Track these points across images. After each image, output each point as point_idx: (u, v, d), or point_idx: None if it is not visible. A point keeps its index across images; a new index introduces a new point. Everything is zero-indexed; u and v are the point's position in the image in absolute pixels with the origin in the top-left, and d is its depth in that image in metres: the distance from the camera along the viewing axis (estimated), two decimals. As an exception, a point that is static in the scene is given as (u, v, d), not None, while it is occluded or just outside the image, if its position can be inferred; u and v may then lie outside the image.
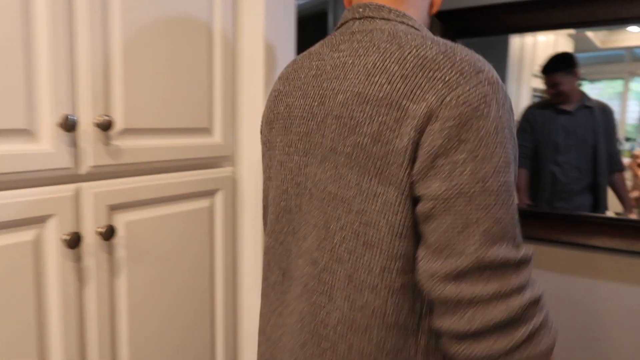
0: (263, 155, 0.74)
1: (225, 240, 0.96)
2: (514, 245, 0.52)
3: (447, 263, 0.51)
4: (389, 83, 0.55)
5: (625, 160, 2.06)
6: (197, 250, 0.90)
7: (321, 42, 0.69)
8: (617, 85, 2.40)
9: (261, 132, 0.75)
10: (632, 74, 2.34)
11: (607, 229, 1.34)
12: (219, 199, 0.94)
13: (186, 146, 0.86)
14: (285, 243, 0.68)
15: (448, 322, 0.53)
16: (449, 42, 0.57)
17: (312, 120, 0.63)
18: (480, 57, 0.56)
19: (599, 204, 1.77)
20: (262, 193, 0.77)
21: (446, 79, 0.52)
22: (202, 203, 0.91)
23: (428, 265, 0.53)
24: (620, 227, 1.38)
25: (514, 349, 0.50)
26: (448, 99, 0.52)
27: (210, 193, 0.92)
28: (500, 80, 0.55)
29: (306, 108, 0.65)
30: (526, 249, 0.53)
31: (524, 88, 2.10)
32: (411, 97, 0.53)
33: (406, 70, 0.55)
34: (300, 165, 0.65)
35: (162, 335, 0.85)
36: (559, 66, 1.98)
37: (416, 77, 0.54)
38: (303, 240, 0.64)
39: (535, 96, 2.09)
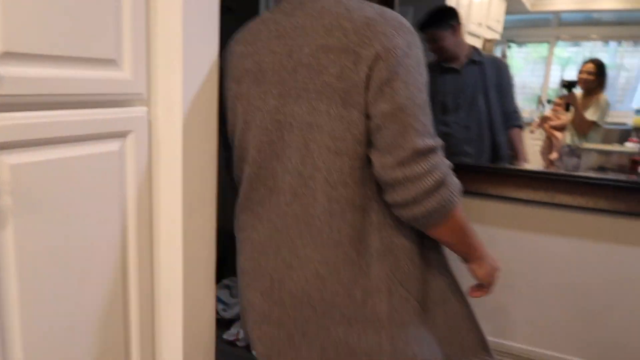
0: (235, 106, 0.91)
1: (139, 188, 0.86)
2: (431, 137, 0.79)
3: (394, 156, 0.77)
4: (345, 36, 0.78)
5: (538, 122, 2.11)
6: (105, 199, 0.80)
7: (270, 10, 0.89)
8: (542, 49, 2.48)
9: (227, 88, 0.92)
10: (557, 39, 2.41)
11: (527, 181, 1.38)
12: (130, 142, 0.83)
13: (87, 79, 0.74)
14: (270, 167, 0.88)
15: (398, 196, 0.79)
16: (377, 5, 0.79)
17: (283, 71, 0.83)
18: (399, 14, 0.80)
19: (500, 159, 1.74)
20: (237, 136, 0.93)
21: (385, 32, 0.77)
22: (111, 146, 0.80)
23: (381, 160, 0.79)
24: (535, 180, 1.43)
25: (441, 204, 0.79)
26: (388, 46, 0.76)
27: (120, 135, 0.81)
28: (413, 29, 0.80)
29: (276, 62, 0.84)
30: (437, 139, 0.80)
31: (459, 45, 2.08)
32: (362, 45, 0.77)
33: (356, 26, 0.77)
34: (278, 107, 0.84)
35: (63, 296, 0.75)
36: (434, 21, 1.85)
37: (364, 31, 0.77)
38: (288, 160, 0.85)
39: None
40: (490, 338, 1.36)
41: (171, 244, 0.91)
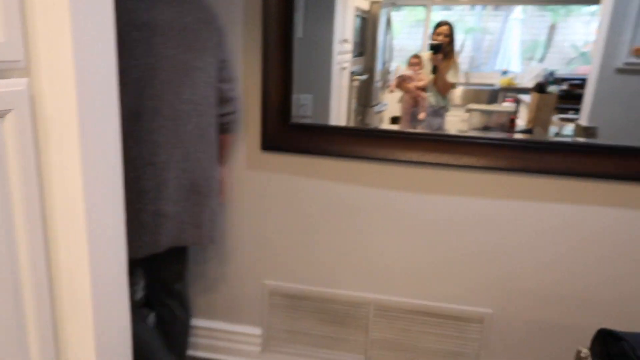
0: (135, 50, 1.17)
1: (26, 180, 0.69)
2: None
3: (230, 84, 1.43)
4: (204, 14, 1.31)
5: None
6: (-19, 200, 0.62)
7: None
8: (418, 12, 2.57)
9: (124, 34, 1.12)
10: (433, 2, 2.51)
11: (434, 144, 1.43)
12: (9, 123, 0.65)
13: (-58, 41, 0.55)
14: (169, 100, 1.23)
15: (230, 107, 1.44)
16: None
17: (175, 29, 1.22)
18: None
19: None
20: (134, 75, 1.18)
21: (215, 13, 1.36)
22: (-18, 130, 0.61)
23: (224, 86, 1.39)
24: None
25: (238, 113, 1.51)
26: (221, 22, 1.37)
27: (-6, 116, 0.63)
28: None
29: (168, 21, 1.21)
30: None
31: (349, 7, 2.10)
32: (214, 20, 1.35)
33: (207, 8, 1.34)
34: (175, 54, 1.23)
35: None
36: None
37: (211, 11, 1.34)
38: (183, 93, 1.25)
39: (357, 15, 2.09)
40: (409, 299, 1.39)
41: (73, 245, 0.76)
